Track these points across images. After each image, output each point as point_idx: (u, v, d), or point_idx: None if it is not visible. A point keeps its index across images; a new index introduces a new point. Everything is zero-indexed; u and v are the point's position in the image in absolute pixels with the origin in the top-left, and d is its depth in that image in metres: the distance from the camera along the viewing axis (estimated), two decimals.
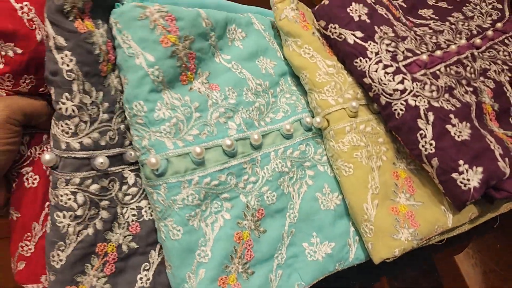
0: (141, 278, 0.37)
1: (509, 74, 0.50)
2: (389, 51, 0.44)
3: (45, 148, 0.38)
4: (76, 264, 0.34)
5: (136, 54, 0.36)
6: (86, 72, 0.34)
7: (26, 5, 0.34)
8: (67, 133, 0.34)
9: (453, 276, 0.46)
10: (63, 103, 0.33)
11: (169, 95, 0.38)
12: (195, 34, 0.39)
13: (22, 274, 0.36)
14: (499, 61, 0.51)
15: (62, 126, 0.34)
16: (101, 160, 0.35)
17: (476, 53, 0.50)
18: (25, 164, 0.37)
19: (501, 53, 0.52)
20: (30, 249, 0.37)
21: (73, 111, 0.34)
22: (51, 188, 0.34)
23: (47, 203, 0.37)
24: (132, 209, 0.38)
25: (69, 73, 0.33)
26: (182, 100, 0.38)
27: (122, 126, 0.38)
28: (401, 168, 0.44)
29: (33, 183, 0.37)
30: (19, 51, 0.34)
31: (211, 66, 0.42)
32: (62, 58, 0.33)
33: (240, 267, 0.37)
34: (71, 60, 0.33)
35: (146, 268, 0.38)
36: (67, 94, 0.33)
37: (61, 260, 0.34)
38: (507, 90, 0.49)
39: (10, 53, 0.33)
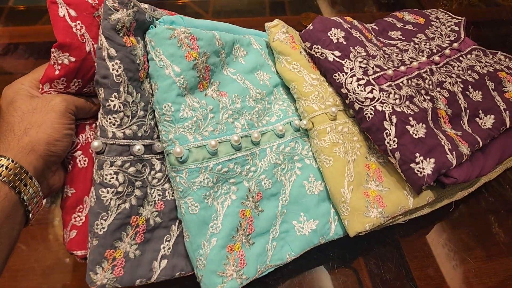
0: (163, 247, 0.46)
1: (462, 86, 0.60)
2: (362, 67, 0.54)
3: (89, 135, 0.45)
4: (115, 231, 0.42)
5: (166, 66, 0.45)
6: (130, 77, 0.43)
7: (78, 23, 0.42)
8: (113, 124, 0.42)
9: (415, 253, 0.56)
10: (112, 101, 0.42)
11: (190, 99, 0.47)
12: (211, 51, 0.50)
13: (73, 242, 0.42)
14: (453, 75, 0.61)
15: (110, 119, 0.42)
16: (138, 147, 0.43)
17: (434, 68, 0.61)
18: (76, 149, 0.44)
19: (455, 68, 0.63)
20: (81, 219, 0.43)
21: (120, 107, 0.42)
22: (97, 169, 0.42)
23: None
24: (158, 190, 0.46)
25: (117, 77, 0.42)
26: (200, 103, 0.48)
27: (152, 123, 0.47)
28: (372, 161, 0.54)
29: (84, 164, 0.44)
30: (72, 59, 0.42)
31: (220, 77, 0.52)
32: (113, 65, 0.42)
33: (244, 238, 0.46)
34: (120, 67, 0.42)
35: (167, 239, 0.46)
36: (115, 93, 0.42)
37: (103, 228, 0.41)
38: (459, 99, 0.59)
39: (66, 61, 0.41)
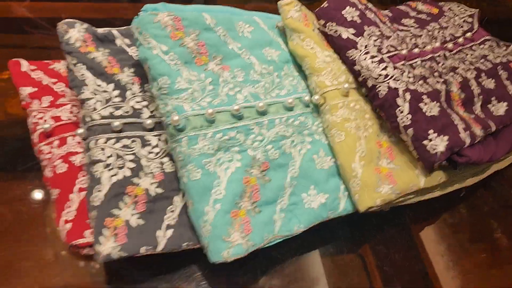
0: (168, 217, 0.45)
1: (475, 73, 0.60)
2: (376, 45, 0.54)
3: (69, 147, 0.50)
4: (111, 200, 0.44)
5: (153, 47, 0.48)
6: (94, 73, 0.50)
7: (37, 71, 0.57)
8: (89, 110, 0.47)
9: (424, 235, 0.55)
10: (83, 92, 0.48)
11: (187, 72, 0.48)
12: (201, 28, 0.51)
13: (70, 233, 0.44)
14: (466, 62, 0.61)
15: (85, 107, 0.48)
16: (116, 123, 0.47)
17: (447, 54, 0.60)
18: (57, 159, 0.49)
19: (468, 56, 0.63)
20: (72, 213, 0.45)
21: (90, 95, 0.48)
22: (85, 153, 0.47)
23: (77, 180, 0.48)
24: (155, 163, 0.48)
25: (82, 76, 0.49)
26: (198, 76, 0.49)
27: (136, 105, 0.50)
28: (384, 139, 0.53)
29: (63, 170, 0.48)
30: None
31: (224, 51, 0.52)
32: (76, 69, 0.49)
33: (249, 205, 0.45)
34: (81, 68, 0.49)
35: (171, 210, 0.46)
36: (84, 87, 0.48)
37: (99, 199, 0.43)
38: (472, 85, 0.58)
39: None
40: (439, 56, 0.59)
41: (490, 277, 0.53)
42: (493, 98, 0.59)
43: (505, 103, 0.58)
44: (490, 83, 0.60)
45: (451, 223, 0.57)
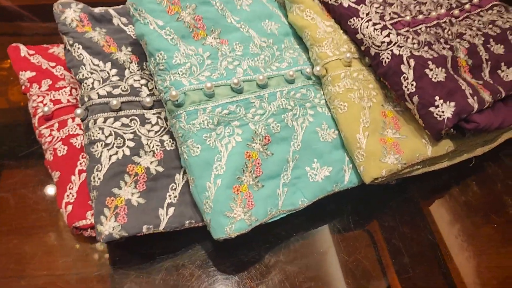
0: (169, 195, 0.45)
1: (483, 38, 0.58)
2: (378, 13, 0.52)
3: (69, 129, 0.50)
4: (111, 179, 0.43)
5: (150, 22, 0.47)
6: (90, 52, 0.49)
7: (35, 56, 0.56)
8: (87, 89, 0.47)
9: (433, 208, 0.54)
10: (80, 72, 0.48)
11: (184, 47, 0.48)
12: (197, 2, 0.51)
13: (71, 215, 0.44)
14: (474, 28, 0.59)
15: (83, 86, 0.47)
16: (114, 102, 0.46)
17: (453, 20, 0.58)
18: (57, 141, 0.49)
19: (476, 22, 0.60)
20: (73, 195, 0.45)
21: (88, 74, 0.48)
22: (84, 133, 0.46)
23: (78, 162, 0.48)
24: (156, 141, 0.47)
25: (79, 56, 0.49)
26: (196, 51, 0.48)
27: (134, 84, 0.50)
28: (389, 109, 0.51)
29: (64, 152, 0.49)
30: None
31: (222, 25, 0.52)
32: (73, 49, 0.49)
33: (251, 180, 0.44)
34: (79, 48, 0.49)
35: (173, 188, 0.46)
36: (82, 66, 0.48)
37: (99, 178, 0.43)
38: (480, 51, 0.56)
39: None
40: (444, 22, 0.57)
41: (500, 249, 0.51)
42: (502, 64, 0.56)
43: None
44: (499, 49, 0.58)
45: (459, 196, 0.55)
